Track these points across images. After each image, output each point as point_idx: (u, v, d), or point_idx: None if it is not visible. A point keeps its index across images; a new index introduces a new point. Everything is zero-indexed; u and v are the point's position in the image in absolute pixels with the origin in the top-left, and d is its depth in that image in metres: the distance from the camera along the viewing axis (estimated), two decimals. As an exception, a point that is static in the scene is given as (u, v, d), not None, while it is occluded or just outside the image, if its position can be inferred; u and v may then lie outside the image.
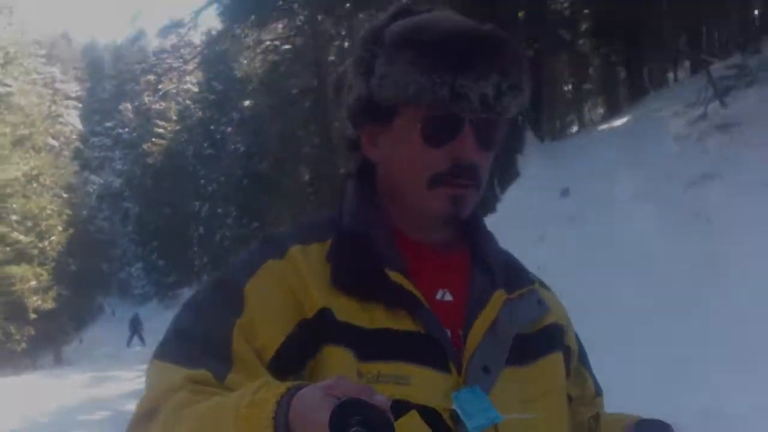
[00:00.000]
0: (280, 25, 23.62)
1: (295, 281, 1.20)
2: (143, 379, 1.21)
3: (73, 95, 49.25)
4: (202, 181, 42.90)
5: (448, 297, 1.28)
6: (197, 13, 20.90)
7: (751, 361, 5.72)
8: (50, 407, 15.79)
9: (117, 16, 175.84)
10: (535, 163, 12.61)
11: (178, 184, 45.68)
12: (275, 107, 24.16)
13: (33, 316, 33.39)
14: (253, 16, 19.73)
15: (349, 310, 1.19)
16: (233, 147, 36.58)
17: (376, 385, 1.07)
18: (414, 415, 1.07)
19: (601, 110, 29.97)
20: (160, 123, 51.39)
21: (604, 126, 17.43)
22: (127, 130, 62.05)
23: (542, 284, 1.46)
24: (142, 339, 35.63)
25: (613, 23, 18.97)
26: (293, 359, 1.16)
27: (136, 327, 35.86)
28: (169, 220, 48.11)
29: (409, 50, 1.22)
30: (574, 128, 29.64)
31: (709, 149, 10.08)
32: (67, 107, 46.11)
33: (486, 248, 1.37)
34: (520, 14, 18.22)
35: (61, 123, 43.15)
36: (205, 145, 42.61)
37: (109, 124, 63.91)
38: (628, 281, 8.01)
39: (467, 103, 1.20)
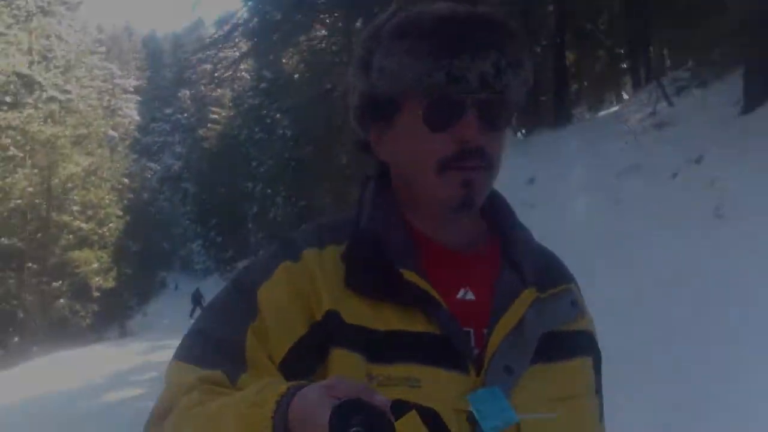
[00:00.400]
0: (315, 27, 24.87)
1: (307, 284, 1.19)
2: None
3: (131, 89, 51.48)
4: (254, 163, 44.12)
5: (470, 296, 1.23)
6: (225, 38, 22.58)
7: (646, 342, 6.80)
8: (108, 371, 17.81)
9: (176, 5, 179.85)
10: (510, 155, 14.04)
11: (232, 166, 47.31)
12: (315, 99, 25.42)
13: (96, 294, 36.48)
14: (275, 35, 20.93)
15: (359, 313, 1.16)
16: (282, 132, 38.07)
17: (387, 389, 1.06)
18: (414, 415, 0.98)
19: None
20: (215, 109, 53.56)
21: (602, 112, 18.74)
22: (185, 115, 64.49)
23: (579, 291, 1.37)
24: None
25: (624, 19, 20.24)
26: (304, 362, 1.15)
27: (197, 300, 36.93)
28: (225, 200, 50.01)
29: (405, 40, 1.20)
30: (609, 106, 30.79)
31: (643, 144, 11.69)
32: (126, 101, 48.35)
33: (515, 244, 1.31)
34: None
35: (119, 116, 45.49)
36: (257, 129, 43.77)
37: (168, 111, 66.32)
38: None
39: (466, 85, 1.17)
